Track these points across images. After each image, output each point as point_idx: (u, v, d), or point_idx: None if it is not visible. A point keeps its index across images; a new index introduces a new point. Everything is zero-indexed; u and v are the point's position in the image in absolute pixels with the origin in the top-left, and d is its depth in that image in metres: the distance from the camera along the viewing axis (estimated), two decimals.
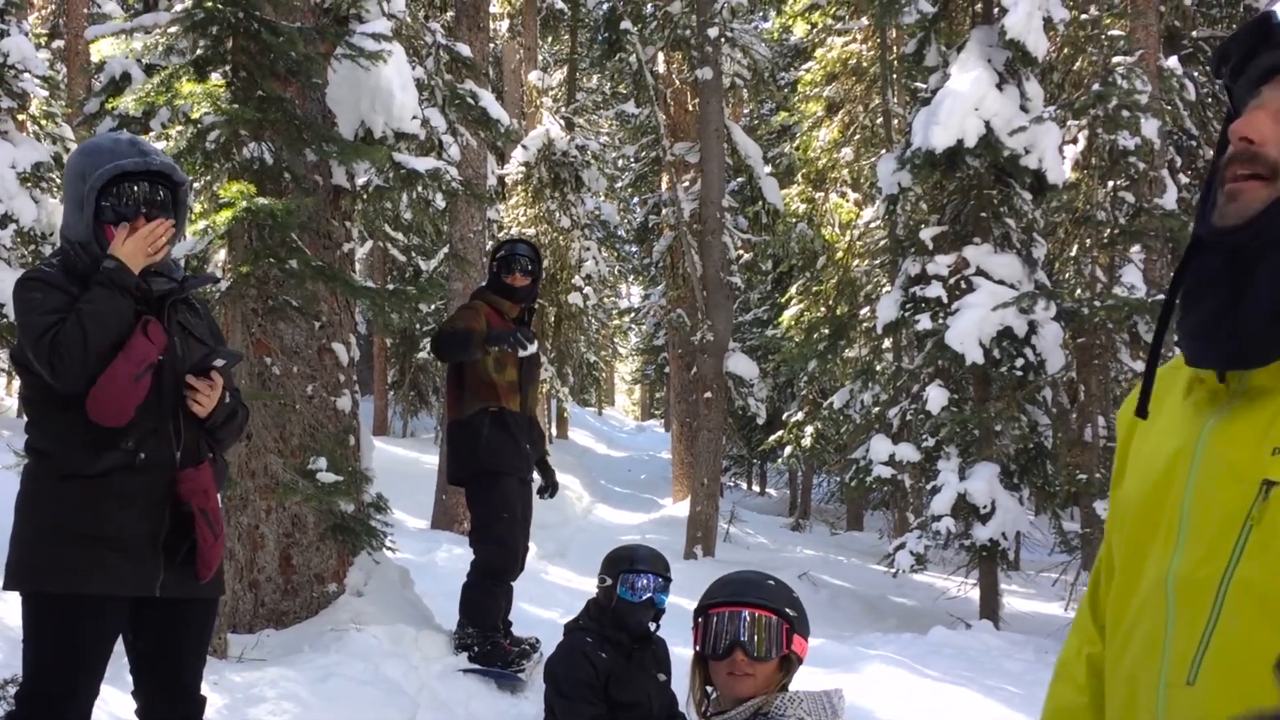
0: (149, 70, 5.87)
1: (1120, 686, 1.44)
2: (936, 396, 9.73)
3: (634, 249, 23.74)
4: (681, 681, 4.88)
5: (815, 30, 16.52)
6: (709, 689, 3.06)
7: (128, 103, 5.22)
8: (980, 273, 9.58)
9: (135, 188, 3.15)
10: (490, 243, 14.11)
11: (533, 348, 6.02)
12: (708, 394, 12.69)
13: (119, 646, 3.20)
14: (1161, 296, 9.64)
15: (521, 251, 6.34)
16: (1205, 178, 1.45)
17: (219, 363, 3.20)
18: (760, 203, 14.89)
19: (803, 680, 3.05)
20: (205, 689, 3.37)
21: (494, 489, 6.01)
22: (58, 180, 10.03)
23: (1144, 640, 1.39)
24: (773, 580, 3.13)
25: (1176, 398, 1.47)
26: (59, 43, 16.07)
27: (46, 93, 10.82)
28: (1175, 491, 1.39)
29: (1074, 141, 10.37)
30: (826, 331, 14.39)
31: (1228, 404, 1.37)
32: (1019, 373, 9.34)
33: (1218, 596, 1.29)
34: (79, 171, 3.15)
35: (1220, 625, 1.29)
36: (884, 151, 13.52)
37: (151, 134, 5.41)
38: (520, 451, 6.14)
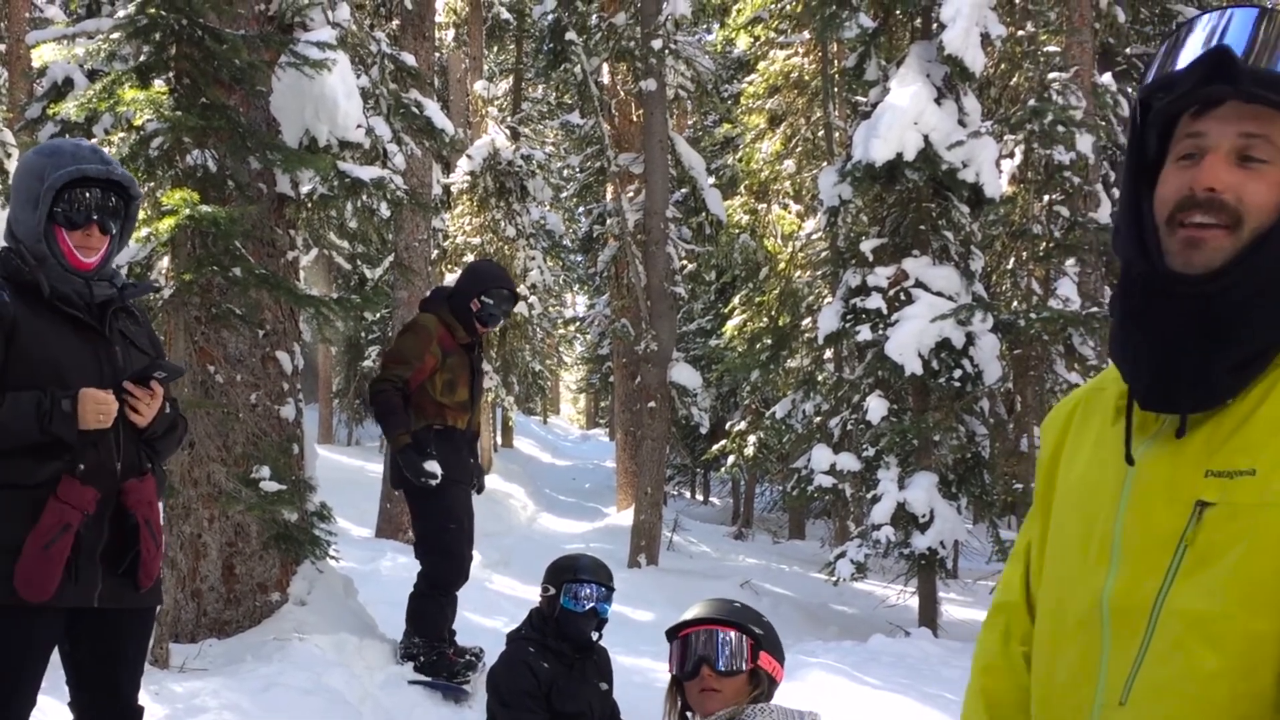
0: (92, 76, 5.84)
1: (1053, 706, 1.49)
2: (876, 407, 9.83)
3: (579, 259, 23.76)
4: (623, 693, 4.93)
5: (758, 43, 16.64)
6: (688, 714, 3.18)
7: (70, 109, 5.19)
8: (919, 284, 9.69)
9: (88, 194, 3.14)
10: (435, 251, 14.07)
11: (433, 482, 5.87)
12: (651, 403, 12.74)
13: (55, 657, 3.19)
14: (1095, 309, 9.81)
15: (503, 311, 6.23)
16: (1125, 209, 1.46)
17: (160, 375, 3.20)
18: (704, 214, 14.98)
19: None
20: (146, 699, 3.37)
21: (439, 499, 5.97)
22: (0, 185, 9.89)
23: (1079, 659, 1.43)
24: (739, 604, 3.29)
25: (1105, 420, 1.51)
26: (0, 47, 15.81)
27: None
28: (1105, 515, 1.43)
29: (1011, 156, 10.53)
30: (769, 342, 14.47)
31: (1160, 431, 1.41)
32: (957, 383, 9.45)
33: (1151, 617, 1.34)
34: (36, 171, 3.13)
35: (1152, 646, 1.33)
36: (825, 164, 13.64)
37: (94, 140, 5.38)
38: (464, 464, 6.11)
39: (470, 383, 6.11)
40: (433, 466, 5.84)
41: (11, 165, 10.42)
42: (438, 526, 5.98)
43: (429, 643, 5.92)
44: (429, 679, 5.84)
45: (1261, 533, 1.28)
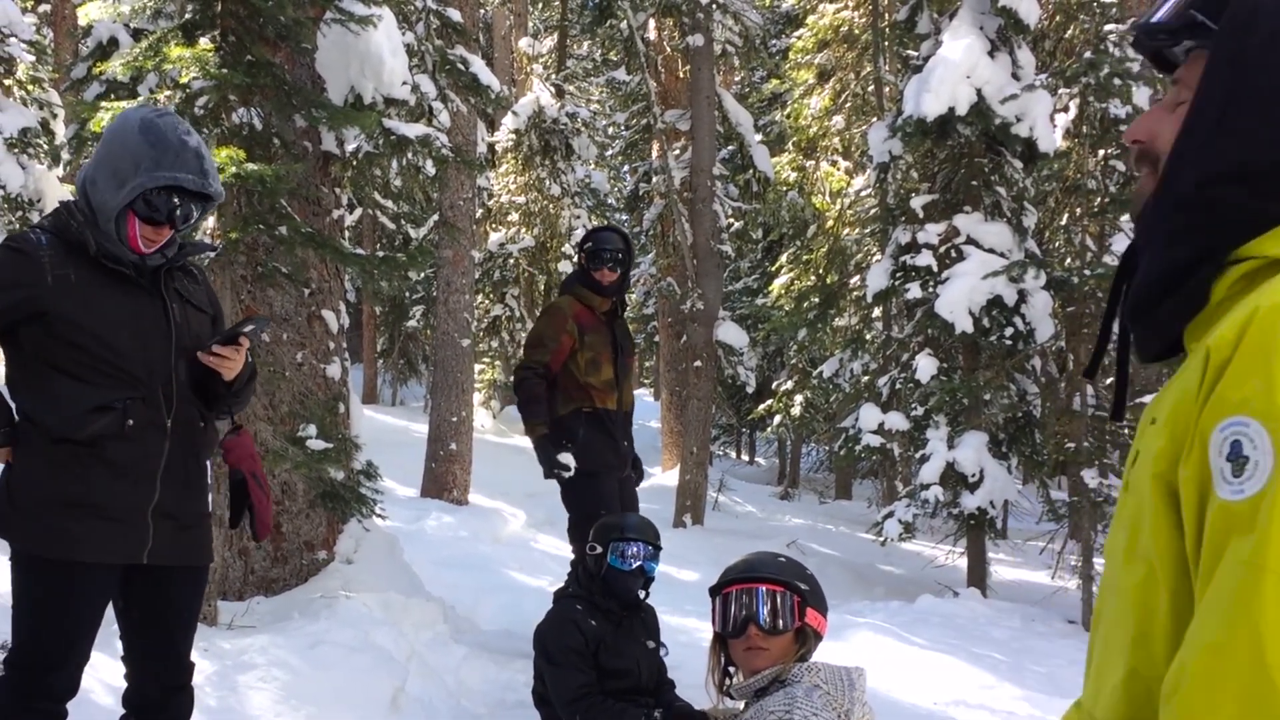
0: (137, 35, 5.81)
1: None
2: (926, 365, 9.73)
3: (624, 217, 23.62)
4: (668, 651, 4.91)
5: None
6: (731, 669, 3.15)
7: (115, 67, 5.16)
8: (970, 241, 9.57)
9: (176, 198, 3.09)
10: (480, 210, 14.04)
11: (566, 474, 5.73)
12: (697, 363, 12.69)
13: (109, 613, 3.20)
14: None
15: (609, 245, 5.99)
16: None
17: (247, 329, 3.17)
18: (751, 171, 14.84)
19: None
20: (195, 655, 3.37)
21: (589, 488, 5.81)
22: (45, 146, 9.94)
23: None
24: (784, 558, 3.24)
25: None
26: (45, 7, 15.86)
27: (33, 57, 10.69)
28: None
29: (1065, 110, 10.32)
30: (816, 300, 14.36)
31: None
32: (1008, 342, 9.34)
33: None
34: (135, 156, 3.04)
35: None
36: (875, 119, 13.46)
37: (139, 99, 5.36)
38: (617, 450, 5.93)
39: (614, 360, 5.94)
40: (566, 458, 5.71)
41: (57, 126, 10.47)
42: (588, 514, 5.69)
43: None
44: None
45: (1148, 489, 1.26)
